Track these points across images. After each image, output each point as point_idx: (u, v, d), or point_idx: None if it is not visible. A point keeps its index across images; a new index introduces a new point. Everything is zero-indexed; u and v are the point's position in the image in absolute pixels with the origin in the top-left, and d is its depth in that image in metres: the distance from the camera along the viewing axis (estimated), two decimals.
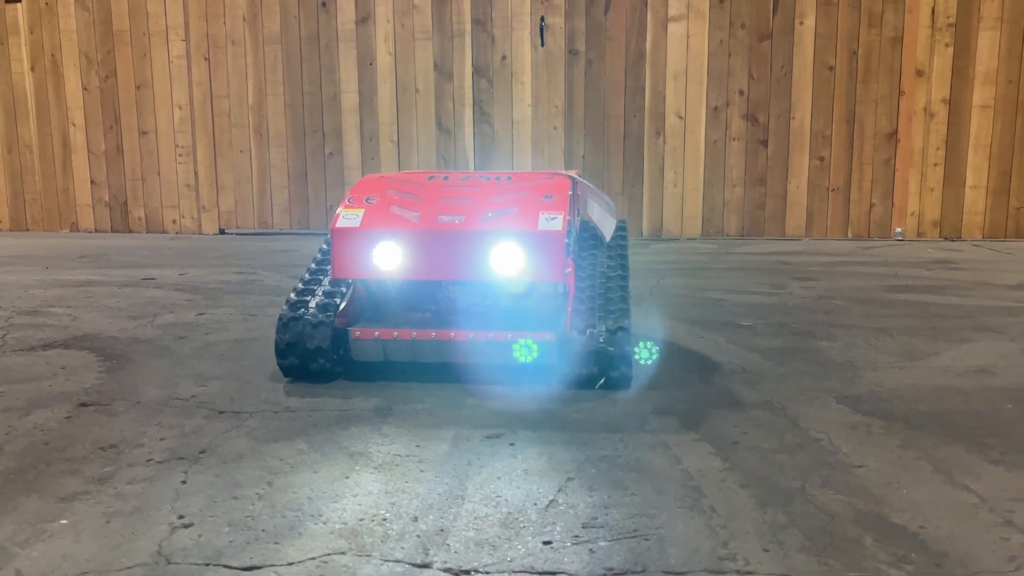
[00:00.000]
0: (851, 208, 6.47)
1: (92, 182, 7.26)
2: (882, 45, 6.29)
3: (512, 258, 2.44)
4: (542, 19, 6.53)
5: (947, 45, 6.24)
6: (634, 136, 6.59)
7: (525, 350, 2.49)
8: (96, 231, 7.31)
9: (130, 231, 7.26)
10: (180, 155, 7.12)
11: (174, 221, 7.21)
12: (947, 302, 3.89)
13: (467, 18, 6.64)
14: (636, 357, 2.47)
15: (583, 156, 6.64)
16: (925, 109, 6.33)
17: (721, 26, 6.41)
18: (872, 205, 6.46)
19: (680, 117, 6.53)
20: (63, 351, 3.08)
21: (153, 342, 3.21)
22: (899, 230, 6.43)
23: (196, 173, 7.11)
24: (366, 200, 2.62)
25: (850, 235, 6.49)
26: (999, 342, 3.13)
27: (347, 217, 2.55)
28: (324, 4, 6.77)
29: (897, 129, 6.36)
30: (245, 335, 3.30)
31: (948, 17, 6.21)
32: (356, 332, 2.59)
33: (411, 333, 2.56)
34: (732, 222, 6.57)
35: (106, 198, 7.27)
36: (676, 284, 4.48)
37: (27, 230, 7.42)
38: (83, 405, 2.43)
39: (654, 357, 2.49)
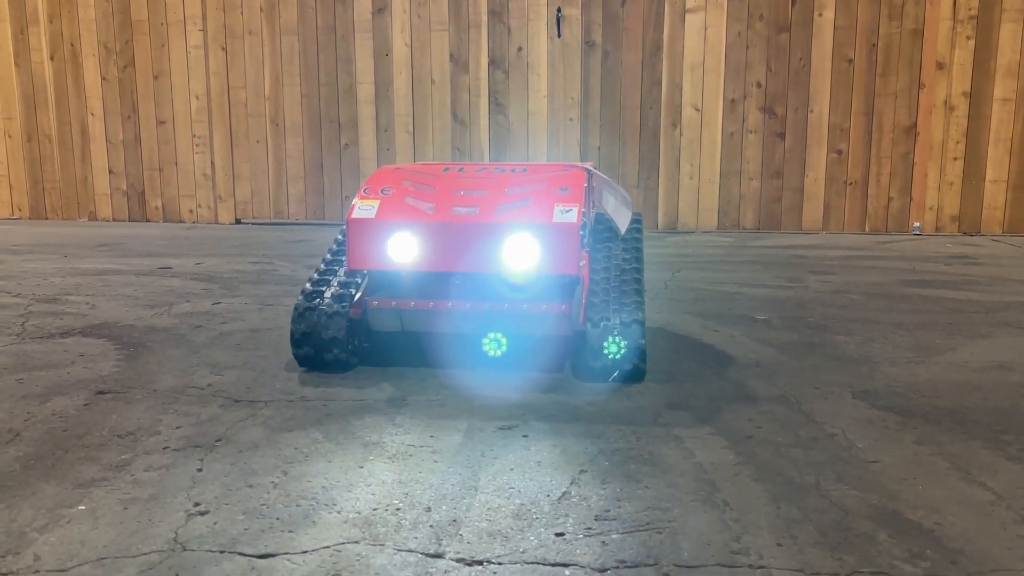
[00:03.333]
0: (869, 202, 6.42)
1: (110, 171, 7.31)
2: (902, 37, 6.23)
3: (526, 250, 2.44)
4: (559, 10, 6.50)
5: (968, 38, 6.17)
6: (650, 128, 6.56)
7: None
8: (114, 220, 7.36)
9: (147, 220, 7.31)
10: (197, 145, 7.16)
11: (191, 211, 7.25)
12: (965, 297, 3.85)
13: (483, 9, 6.62)
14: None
15: (598, 148, 6.62)
16: (945, 102, 6.26)
17: (739, 18, 6.37)
18: (890, 199, 6.40)
19: (697, 109, 6.49)
20: (81, 339, 3.11)
21: (169, 331, 3.23)
22: (917, 224, 6.38)
23: (213, 163, 7.15)
24: (381, 191, 2.62)
25: (867, 229, 6.44)
26: (1018, 338, 3.10)
27: (363, 208, 2.55)
28: None
29: (916, 122, 6.30)
30: (260, 325, 3.32)
31: (970, 9, 6.14)
32: (374, 302, 2.60)
33: (428, 303, 2.57)
34: (748, 215, 6.54)
35: (124, 187, 7.32)
36: (691, 277, 4.46)
37: (46, 218, 7.49)
38: (101, 393, 2.45)
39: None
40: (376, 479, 1.84)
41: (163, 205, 7.29)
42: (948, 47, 6.20)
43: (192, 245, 5.83)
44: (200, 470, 1.89)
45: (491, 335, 2.54)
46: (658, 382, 2.55)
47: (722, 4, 6.36)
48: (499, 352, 2.55)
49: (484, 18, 6.64)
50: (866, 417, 2.24)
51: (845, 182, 6.43)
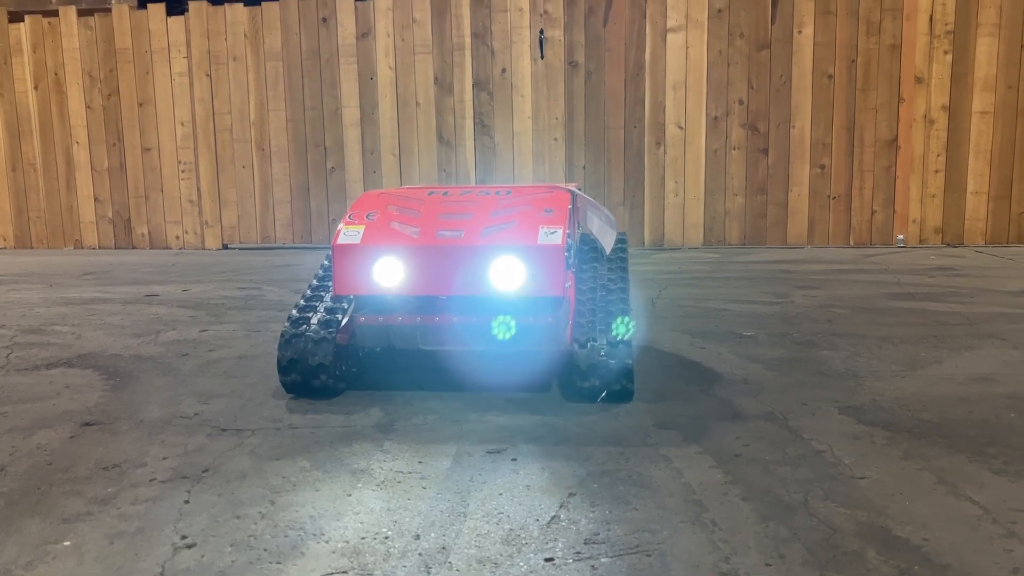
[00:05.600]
0: (852, 215, 6.48)
1: (96, 199, 7.29)
2: (881, 53, 6.31)
3: (512, 272, 2.45)
4: (541, 32, 6.56)
5: (946, 52, 6.25)
6: (634, 146, 6.60)
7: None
8: (100, 248, 7.33)
9: (133, 247, 7.29)
10: (183, 171, 7.16)
11: (177, 237, 7.24)
12: (949, 309, 3.88)
13: (467, 32, 6.67)
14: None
15: (584, 167, 6.65)
16: (925, 116, 6.34)
17: (720, 36, 6.44)
18: (873, 212, 6.46)
19: (680, 127, 6.54)
20: (67, 370, 3.09)
21: (156, 360, 3.22)
22: (901, 237, 6.43)
23: (199, 189, 7.14)
24: (367, 216, 2.63)
25: (852, 243, 6.49)
26: (1002, 349, 3.13)
27: (348, 234, 2.56)
28: (325, 20, 6.81)
29: (897, 136, 6.37)
30: (248, 352, 3.31)
31: (946, 24, 6.23)
32: (361, 318, 2.58)
33: (415, 318, 2.56)
34: (734, 231, 6.58)
35: (109, 215, 7.30)
36: (678, 294, 4.48)
37: (31, 248, 7.45)
38: (87, 424, 2.43)
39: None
40: (364, 507, 1.83)
41: (149, 232, 7.27)
42: (926, 62, 6.29)
43: (179, 272, 5.81)
44: (187, 502, 1.88)
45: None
46: (646, 401, 2.55)
47: (702, 23, 6.43)
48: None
49: (467, 40, 6.68)
50: (853, 433, 2.25)
51: (829, 196, 6.48)
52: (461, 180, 6.81)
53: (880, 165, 6.41)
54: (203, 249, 7.17)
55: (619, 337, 2.49)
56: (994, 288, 4.44)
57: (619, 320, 2.51)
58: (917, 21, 6.25)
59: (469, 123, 6.77)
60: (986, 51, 6.23)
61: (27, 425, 2.43)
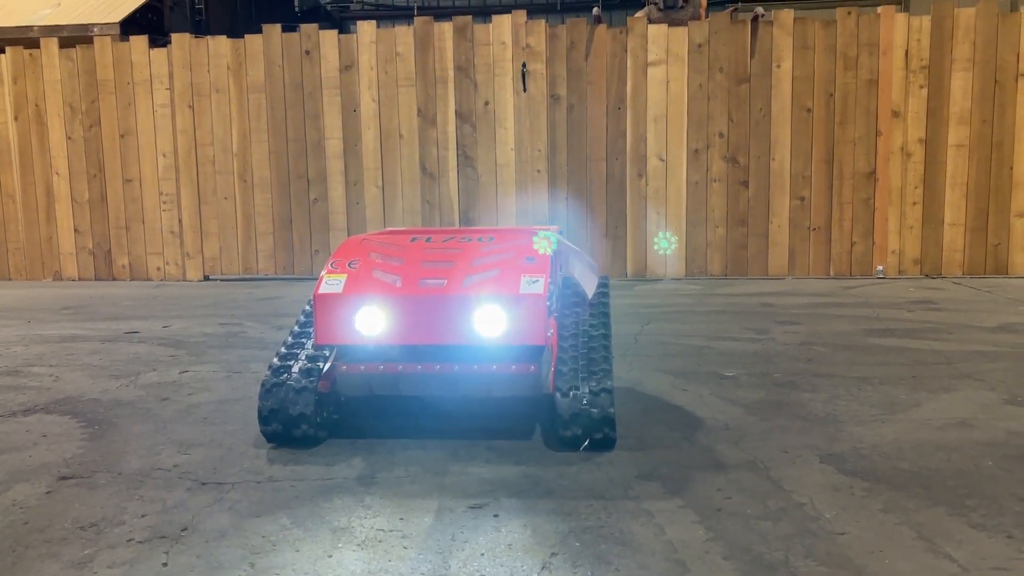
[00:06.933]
0: (832, 247, 6.54)
1: (76, 230, 7.24)
2: (858, 87, 6.40)
3: (494, 321, 2.46)
4: (524, 65, 6.61)
5: (921, 87, 6.36)
6: (616, 178, 6.65)
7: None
8: (80, 279, 7.27)
9: (114, 279, 7.23)
10: (164, 202, 7.13)
11: (158, 268, 7.19)
12: (928, 347, 3.92)
13: (449, 65, 6.71)
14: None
15: (566, 198, 6.68)
16: (902, 149, 6.43)
17: (700, 70, 6.51)
18: (853, 243, 6.53)
19: (662, 159, 6.60)
20: (44, 416, 3.05)
21: (135, 404, 3.19)
22: (880, 268, 6.50)
23: (180, 220, 7.11)
24: (348, 265, 2.63)
25: (832, 273, 6.55)
26: (979, 391, 3.16)
27: (330, 283, 2.56)
28: (308, 52, 6.84)
29: (875, 169, 6.45)
30: (228, 395, 3.28)
31: (921, 60, 6.34)
32: (343, 367, 2.58)
33: (397, 366, 2.55)
34: (715, 262, 6.62)
35: (90, 246, 7.25)
36: (660, 330, 4.49)
37: (10, 279, 7.38)
38: (64, 478, 2.40)
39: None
40: (345, 569, 1.82)
41: (130, 263, 7.22)
42: (903, 96, 6.39)
43: (160, 305, 5.77)
44: (165, 564, 1.85)
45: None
46: (628, 449, 2.56)
47: (683, 57, 6.51)
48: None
49: (450, 74, 6.72)
50: (833, 484, 2.26)
51: (809, 228, 6.55)
52: (444, 212, 6.82)
53: (859, 197, 6.49)
54: (184, 280, 7.12)
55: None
56: (972, 324, 4.49)
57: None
58: (893, 56, 6.36)
59: (452, 155, 6.80)
60: (961, 86, 6.35)
61: (3, 479, 2.40)
